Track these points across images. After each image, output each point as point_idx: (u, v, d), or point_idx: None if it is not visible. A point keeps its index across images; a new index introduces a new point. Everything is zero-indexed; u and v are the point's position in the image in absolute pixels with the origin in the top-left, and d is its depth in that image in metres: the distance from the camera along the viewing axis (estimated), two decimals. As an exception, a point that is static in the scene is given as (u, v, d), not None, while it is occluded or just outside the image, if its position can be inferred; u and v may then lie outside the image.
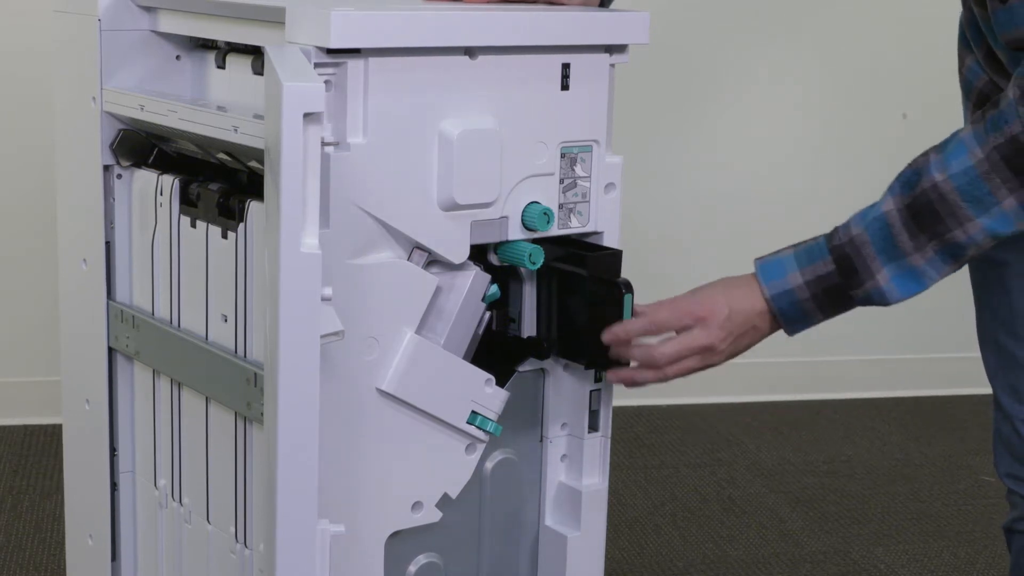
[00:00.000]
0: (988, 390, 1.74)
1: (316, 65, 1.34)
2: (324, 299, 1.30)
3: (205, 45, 1.61)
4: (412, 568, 1.53)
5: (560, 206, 1.52)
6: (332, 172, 1.36)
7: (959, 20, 1.66)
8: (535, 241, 1.50)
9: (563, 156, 1.51)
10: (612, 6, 1.62)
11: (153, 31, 1.62)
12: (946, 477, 3.29)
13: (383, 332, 1.42)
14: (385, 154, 1.39)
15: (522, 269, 1.54)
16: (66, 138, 1.68)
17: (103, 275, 1.64)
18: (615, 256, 1.52)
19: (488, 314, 1.52)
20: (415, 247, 1.43)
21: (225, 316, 1.50)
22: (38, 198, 3.23)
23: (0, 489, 2.99)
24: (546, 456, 1.60)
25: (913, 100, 3.70)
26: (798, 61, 3.66)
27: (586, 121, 1.51)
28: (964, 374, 3.72)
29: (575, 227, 1.53)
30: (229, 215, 1.48)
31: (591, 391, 1.59)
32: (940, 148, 1.47)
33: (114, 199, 1.64)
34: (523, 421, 1.58)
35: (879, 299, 1.49)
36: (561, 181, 1.51)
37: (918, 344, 3.86)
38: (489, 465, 1.57)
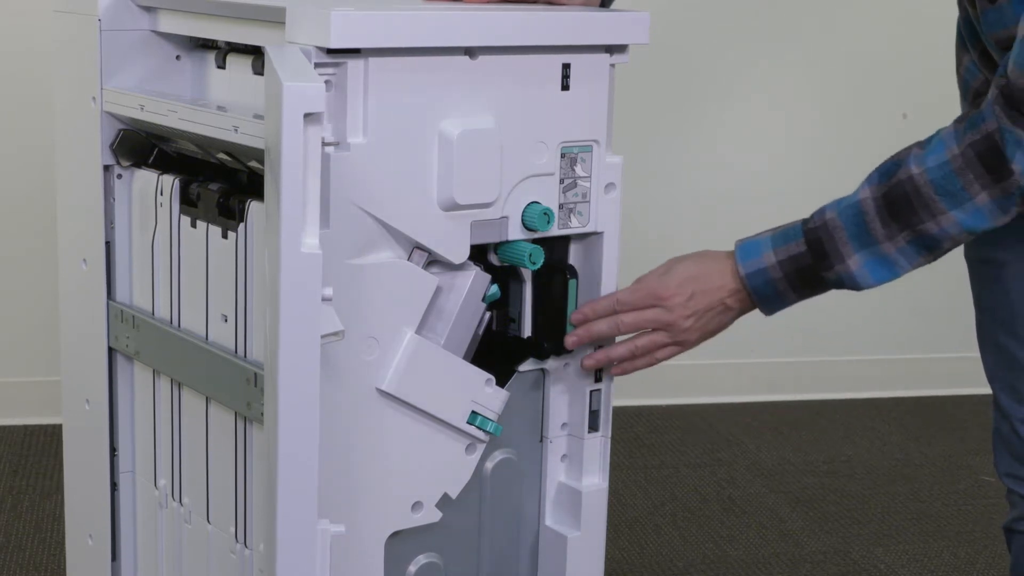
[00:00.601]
0: (988, 390, 1.74)
1: (316, 65, 1.34)
2: (324, 299, 1.30)
3: (205, 45, 1.61)
4: (412, 568, 1.53)
5: (560, 206, 1.52)
6: (332, 172, 1.36)
7: (957, 20, 1.67)
8: (535, 241, 1.50)
9: (563, 156, 1.51)
10: (612, 6, 1.62)
11: (153, 31, 1.62)
12: (946, 477, 3.29)
13: (383, 332, 1.42)
14: (385, 154, 1.39)
15: (522, 269, 1.54)
16: (66, 138, 1.68)
17: (103, 275, 1.64)
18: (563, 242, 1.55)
19: (488, 314, 1.52)
20: (415, 247, 1.43)
21: (225, 316, 1.50)
22: (38, 198, 3.23)
23: (0, 489, 2.99)
24: (546, 456, 1.60)
25: (913, 100, 3.70)
26: (798, 61, 3.66)
27: (586, 121, 1.51)
28: (964, 374, 3.72)
29: (575, 227, 1.53)
30: (229, 215, 1.48)
31: (591, 391, 1.59)
32: (923, 143, 1.51)
33: (114, 199, 1.64)
34: (523, 421, 1.58)
35: (850, 283, 1.52)
36: (561, 181, 1.51)
37: (918, 344, 3.86)
38: (489, 465, 1.57)
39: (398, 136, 1.40)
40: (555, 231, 1.51)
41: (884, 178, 1.50)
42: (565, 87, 1.49)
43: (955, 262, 1.75)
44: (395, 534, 1.48)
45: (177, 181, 1.56)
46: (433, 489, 1.49)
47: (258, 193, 1.45)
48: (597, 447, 1.60)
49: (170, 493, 1.63)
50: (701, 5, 3.58)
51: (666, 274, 1.56)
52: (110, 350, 1.66)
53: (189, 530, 1.61)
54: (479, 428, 1.49)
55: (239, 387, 1.46)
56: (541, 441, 1.60)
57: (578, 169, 1.52)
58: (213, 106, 1.50)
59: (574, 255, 1.57)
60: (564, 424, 1.60)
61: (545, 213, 1.49)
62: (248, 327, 1.47)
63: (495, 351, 1.54)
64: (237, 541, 1.53)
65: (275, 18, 1.40)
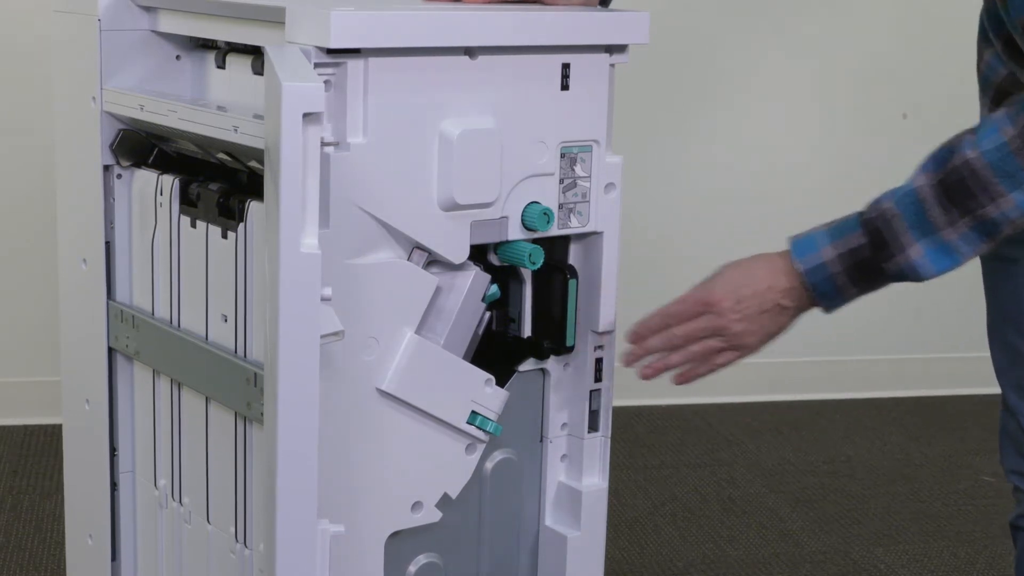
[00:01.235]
0: (989, 390, 1.73)
1: (316, 65, 1.34)
2: (324, 299, 1.30)
3: (205, 45, 1.61)
4: (412, 568, 1.53)
5: (560, 206, 1.52)
6: (332, 172, 1.36)
7: (979, 15, 1.66)
8: (535, 241, 1.50)
9: (563, 156, 1.51)
10: (612, 6, 1.62)
11: (153, 31, 1.62)
12: (946, 477, 3.29)
13: (383, 332, 1.42)
14: (385, 154, 1.39)
15: (522, 269, 1.54)
16: (66, 138, 1.68)
17: (103, 275, 1.64)
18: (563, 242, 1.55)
19: (488, 314, 1.52)
20: (415, 247, 1.43)
21: (225, 316, 1.50)
22: (38, 198, 3.23)
23: (0, 489, 2.99)
24: (546, 456, 1.60)
25: (913, 100, 3.70)
26: (798, 61, 3.66)
27: (586, 121, 1.51)
28: (964, 374, 3.72)
29: (575, 227, 1.53)
30: (229, 215, 1.48)
31: (591, 391, 1.59)
32: (974, 129, 1.48)
33: (114, 199, 1.64)
34: (523, 421, 1.58)
35: (912, 274, 1.49)
36: (561, 181, 1.51)
37: (918, 344, 3.86)
38: (489, 465, 1.57)
39: (398, 136, 1.40)
40: (555, 231, 1.51)
41: (939, 165, 1.47)
42: (565, 87, 1.49)
43: (955, 262, 1.74)
44: (395, 534, 1.48)
45: (177, 181, 1.56)
46: (433, 489, 1.49)
47: (258, 193, 1.45)
48: (597, 447, 1.60)
49: (170, 493, 1.63)
50: (701, 5, 3.58)
51: (713, 279, 1.53)
52: (110, 350, 1.66)
53: (189, 530, 1.61)
54: (479, 428, 1.49)
55: (239, 387, 1.46)
56: (541, 441, 1.60)
57: (578, 169, 1.52)
58: (213, 106, 1.50)
59: (574, 255, 1.57)
60: (564, 424, 1.60)
61: (545, 213, 1.49)
62: (248, 327, 1.47)
63: (495, 351, 1.54)
64: (237, 541, 1.53)
65: (275, 18, 1.40)
